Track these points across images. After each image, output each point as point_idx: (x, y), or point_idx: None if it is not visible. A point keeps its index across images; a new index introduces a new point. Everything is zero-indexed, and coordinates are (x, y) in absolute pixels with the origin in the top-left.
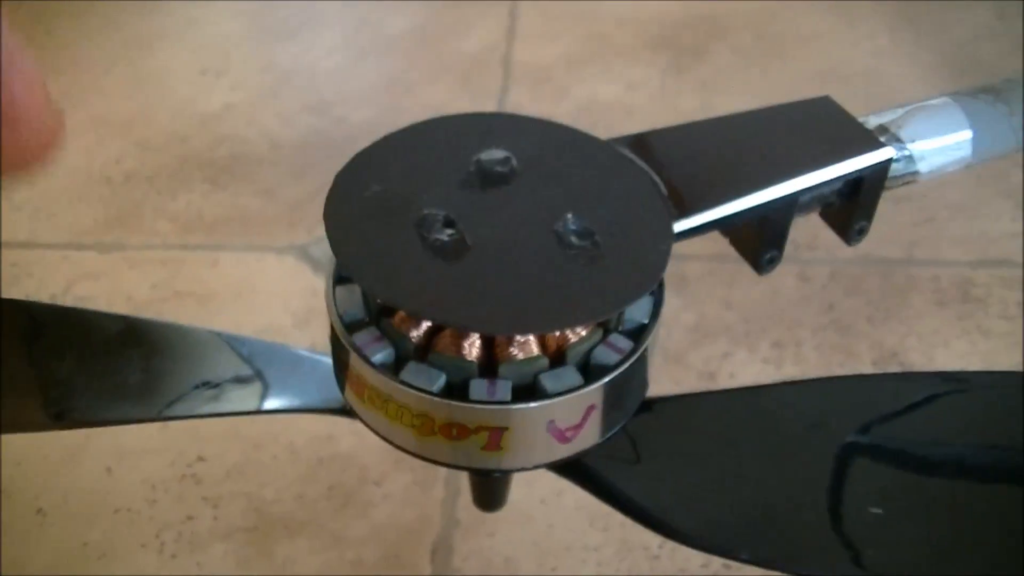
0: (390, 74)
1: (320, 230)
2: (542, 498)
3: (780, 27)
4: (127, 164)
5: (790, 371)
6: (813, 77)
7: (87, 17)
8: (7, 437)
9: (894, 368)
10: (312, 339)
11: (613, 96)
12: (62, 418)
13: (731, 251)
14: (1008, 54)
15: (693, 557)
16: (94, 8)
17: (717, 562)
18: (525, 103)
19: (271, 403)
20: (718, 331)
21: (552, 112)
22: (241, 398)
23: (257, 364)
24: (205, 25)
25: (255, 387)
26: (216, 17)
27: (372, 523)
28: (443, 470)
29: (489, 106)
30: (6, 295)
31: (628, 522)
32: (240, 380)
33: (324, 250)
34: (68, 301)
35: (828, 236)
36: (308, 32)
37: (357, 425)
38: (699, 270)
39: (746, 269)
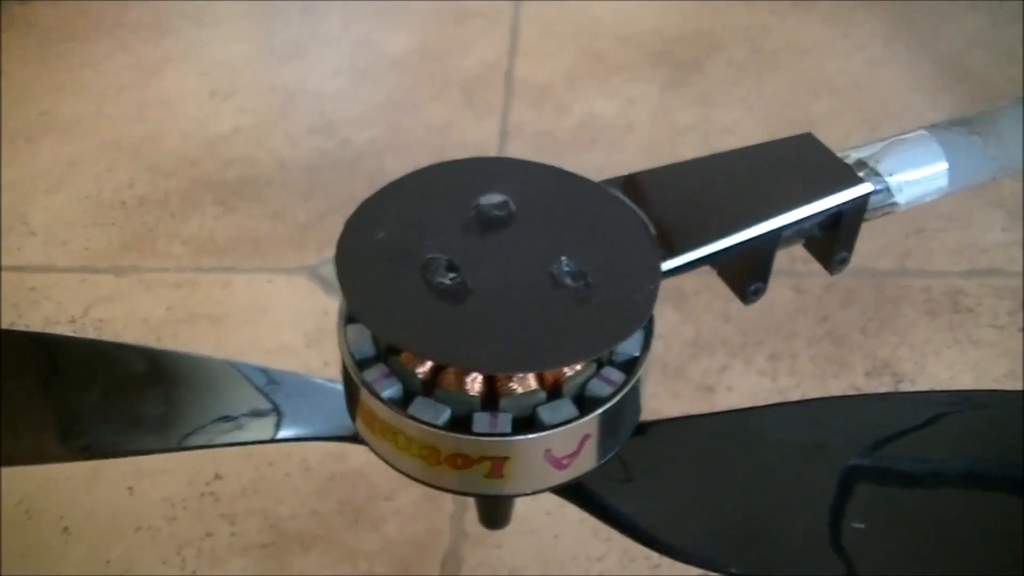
0: (393, 93)
1: (329, 251)
2: (547, 510)
3: (776, 40)
4: (139, 188)
5: (786, 382)
6: (809, 88)
7: (96, 40)
8: None
9: (887, 378)
10: (323, 357)
11: (613, 111)
12: (87, 450)
13: None
14: (1001, 60)
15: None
16: (103, 32)
17: None
18: (527, 120)
19: (287, 432)
20: (715, 344)
21: (554, 129)
22: (257, 429)
23: (274, 395)
24: (213, 48)
25: (271, 418)
26: (223, 40)
27: (384, 537)
28: None
29: (492, 124)
30: (26, 319)
31: None
32: (257, 413)
33: (333, 272)
34: (87, 324)
35: None
36: (313, 53)
37: None
38: (697, 284)
39: None
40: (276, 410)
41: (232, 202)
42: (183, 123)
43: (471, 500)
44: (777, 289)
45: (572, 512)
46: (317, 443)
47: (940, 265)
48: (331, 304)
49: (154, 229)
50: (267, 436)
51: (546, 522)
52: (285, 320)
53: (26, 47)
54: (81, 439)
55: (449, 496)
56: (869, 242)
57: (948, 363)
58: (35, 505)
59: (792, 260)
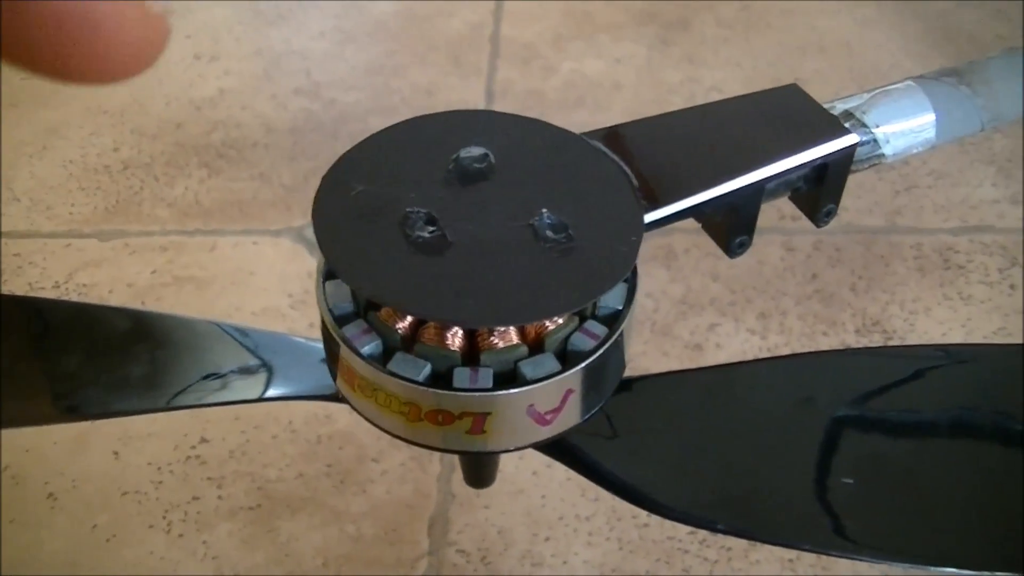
0: (379, 55)
1: None
2: (534, 470)
3: None
4: (124, 152)
5: (775, 341)
6: (798, 47)
7: None
8: None
9: (877, 335)
10: (309, 319)
11: (601, 71)
12: (73, 411)
13: None
14: (990, 18)
15: (681, 525)
16: None
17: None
18: (514, 80)
19: (272, 391)
20: (704, 303)
21: (541, 88)
22: (244, 388)
23: (258, 354)
24: (197, 10)
25: (257, 377)
26: (208, 3)
27: (371, 499)
28: None
29: (478, 85)
30: (10, 285)
31: None
32: (243, 371)
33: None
34: (71, 289)
35: None
36: (298, 15)
37: None
38: (686, 243)
39: None
40: (261, 369)
41: (217, 164)
42: (168, 86)
43: (458, 463)
44: (766, 247)
45: (559, 472)
46: (303, 406)
47: (930, 222)
48: (315, 266)
49: (139, 193)
50: (254, 395)
51: (533, 482)
52: (271, 283)
53: None
54: (67, 400)
55: (436, 458)
56: (858, 199)
57: (939, 320)
58: (20, 471)
59: (781, 217)
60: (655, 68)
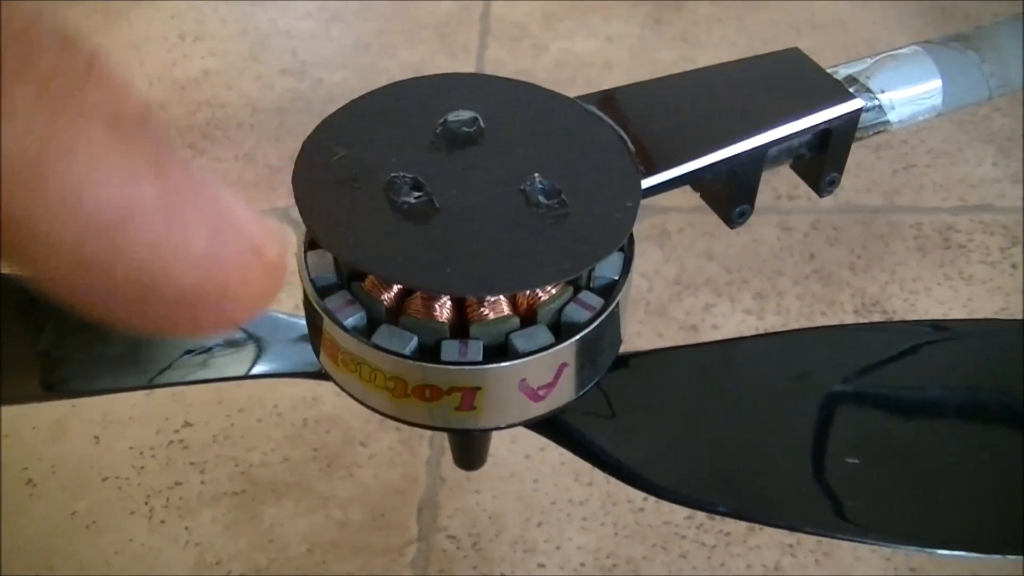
0: (367, 34)
1: None
2: (527, 453)
3: None
4: None
5: (772, 321)
6: (792, 26)
7: None
8: None
9: (876, 316)
10: (296, 300)
11: (592, 50)
12: (53, 388)
13: None
14: None
15: (678, 509)
16: None
17: (702, 513)
18: (504, 60)
19: (256, 368)
20: (699, 283)
21: (531, 68)
22: (228, 364)
23: (243, 330)
24: None
25: (241, 353)
26: None
27: (358, 483)
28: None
29: (468, 64)
30: None
31: None
32: (227, 346)
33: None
34: None
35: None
36: None
37: None
38: (680, 222)
39: None
40: (246, 344)
41: (202, 145)
42: (152, 67)
43: (448, 445)
44: (762, 227)
45: (552, 456)
46: (288, 389)
47: (930, 201)
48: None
49: None
50: (239, 372)
51: (525, 466)
52: None
53: None
54: (45, 377)
55: (425, 441)
56: (856, 178)
57: (939, 300)
58: None
59: (777, 197)
60: (647, 47)
